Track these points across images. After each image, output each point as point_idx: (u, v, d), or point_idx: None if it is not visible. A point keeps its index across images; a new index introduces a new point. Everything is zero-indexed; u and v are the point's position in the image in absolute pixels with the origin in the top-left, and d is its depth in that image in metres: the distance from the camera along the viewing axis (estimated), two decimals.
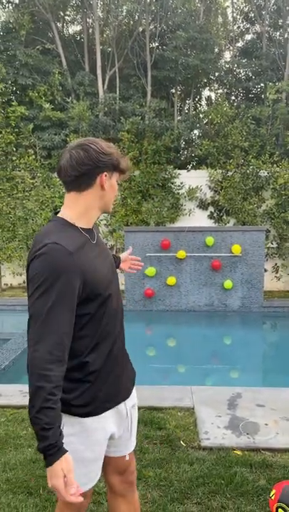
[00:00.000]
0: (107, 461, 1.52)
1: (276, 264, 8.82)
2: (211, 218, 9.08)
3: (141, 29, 9.95)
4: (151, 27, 10.05)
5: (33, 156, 8.79)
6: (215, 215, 9.05)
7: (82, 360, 1.32)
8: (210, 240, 7.29)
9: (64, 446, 1.19)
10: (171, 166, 8.90)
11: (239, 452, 2.63)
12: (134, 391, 1.56)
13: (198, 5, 10.11)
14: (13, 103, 8.90)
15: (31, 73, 9.29)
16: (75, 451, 1.30)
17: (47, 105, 8.89)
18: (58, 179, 8.92)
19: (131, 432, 1.52)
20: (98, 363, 1.35)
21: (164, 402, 3.33)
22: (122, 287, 8.27)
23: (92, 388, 1.34)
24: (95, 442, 1.35)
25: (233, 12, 10.96)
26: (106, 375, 1.37)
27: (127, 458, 1.51)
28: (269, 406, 3.27)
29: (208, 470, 2.41)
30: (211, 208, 9.05)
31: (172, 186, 8.86)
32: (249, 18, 10.91)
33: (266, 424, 2.98)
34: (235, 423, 3.00)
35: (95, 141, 1.34)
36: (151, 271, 7.35)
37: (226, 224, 8.96)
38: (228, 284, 7.32)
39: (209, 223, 9.04)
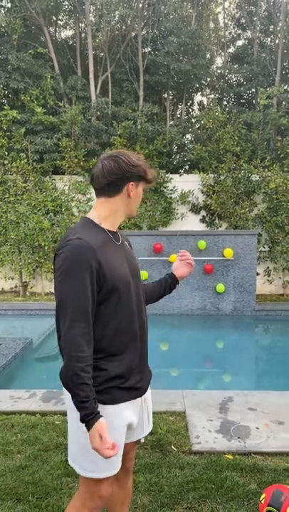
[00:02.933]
0: None
1: (268, 267, 8.87)
2: (203, 222, 9.11)
3: (133, 34, 10.00)
4: (143, 32, 10.12)
5: (25, 160, 8.77)
6: (207, 219, 9.09)
7: (103, 349, 1.43)
8: (202, 243, 7.31)
9: (85, 433, 1.35)
10: (164, 171, 8.92)
11: (230, 456, 2.62)
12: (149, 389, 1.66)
13: (190, 11, 10.20)
14: (5, 107, 8.88)
15: (23, 77, 9.28)
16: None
17: (39, 109, 8.89)
18: (50, 183, 8.94)
19: (143, 421, 1.62)
20: (117, 354, 1.45)
21: (156, 407, 3.29)
22: None
23: (114, 378, 1.44)
24: (114, 428, 1.42)
25: (224, 18, 11.07)
26: (125, 368, 1.47)
27: (142, 441, 1.67)
28: (260, 409, 3.27)
29: (198, 475, 2.40)
30: (203, 212, 9.08)
31: (165, 190, 8.88)
32: (240, 24, 11.02)
33: (257, 428, 2.97)
34: (226, 427, 2.99)
35: (126, 154, 1.48)
36: (143, 275, 7.34)
37: (218, 228, 9.00)
38: (220, 287, 7.33)
39: (201, 227, 9.08)
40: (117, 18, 10.37)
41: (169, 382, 4.83)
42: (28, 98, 9.00)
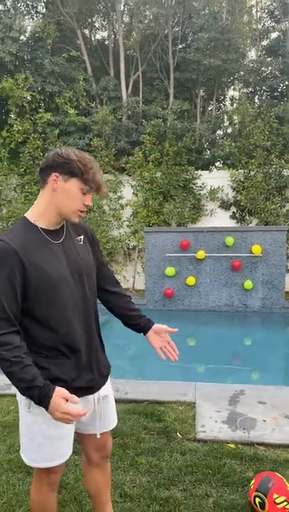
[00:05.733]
0: (83, 439, 1.71)
1: None
2: (233, 218, 9.06)
3: (165, 32, 10.07)
4: (175, 29, 10.16)
5: None
6: (237, 215, 9.02)
7: (39, 343, 1.46)
8: (230, 240, 7.29)
9: (32, 424, 1.48)
10: (193, 167, 8.95)
11: (232, 445, 2.69)
12: (108, 384, 1.68)
13: (224, 5, 10.10)
14: (41, 110, 9.28)
15: (57, 80, 9.64)
16: (42, 430, 1.48)
17: (72, 111, 9.21)
18: None
19: (101, 417, 1.63)
20: (53, 351, 1.47)
21: (167, 397, 3.44)
22: (142, 287, 8.42)
23: (53, 374, 1.45)
24: (57, 423, 1.43)
25: (257, 11, 10.86)
26: (63, 364, 1.48)
27: (98, 436, 1.65)
28: (270, 403, 3.29)
29: (198, 460, 2.50)
30: (233, 208, 9.02)
31: (193, 187, 8.91)
32: (274, 16, 10.78)
33: (264, 421, 3.01)
34: (233, 418, 3.05)
35: (65, 148, 1.46)
36: (170, 271, 7.44)
37: (248, 224, 8.91)
38: (248, 284, 7.29)
39: (232, 223, 9.02)
40: (149, 18, 10.48)
41: (192, 377, 4.90)
42: (62, 101, 9.35)
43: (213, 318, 7.25)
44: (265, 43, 11.08)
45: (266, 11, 11.17)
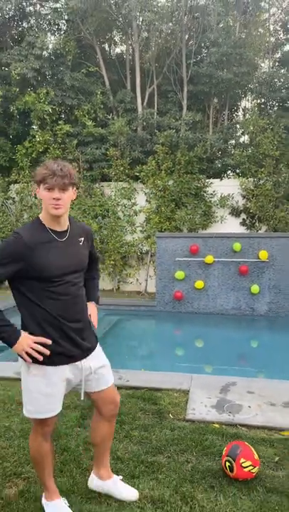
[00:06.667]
0: (94, 397, 2.11)
1: None
2: (243, 225, 9.34)
3: (179, 48, 10.51)
4: (189, 43, 10.59)
5: (77, 169, 9.64)
6: (247, 221, 9.30)
7: (37, 322, 1.90)
8: (237, 245, 7.58)
9: (31, 382, 1.92)
10: (204, 176, 9.31)
11: (217, 425, 3.02)
12: (99, 356, 2.10)
13: (237, 19, 10.47)
14: (60, 122, 9.86)
15: (77, 94, 10.20)
16: (39, 387, 1.92)
17: (90, 122, 9.73)
18: (98, 189, 9.73)
19: (98, 379, 2.07)
20: (49, 328, 1.91)
21: (165, 385, 3.79)
22: (154, 290, 8.77)
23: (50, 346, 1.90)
24: (52, 382, 1.92)
25: (269, 24, 11.19)
26: (58, 338, 1.92)
27: (105, 389, 2.10)
28: (258, 393, 3.60)
29: (184, 435, 2.84)
30: (243, 215, 9.31)
31: (204, 195, 9.26)
32: (288, 29, 11.07)
33: (249, 407, 3.33)
34: (221, 404, 3.38)
35: (44, 163, 1.90)
36: (180, 274, 7.78)
37: (257, 230, 9.17)
38: (254, 288, 7.55)
39: (241, 230, 9.31)
40: (166, 32, 10.93)
41: (191, 372, 5.21)
42: (81, 113, 9.90)
43: (221, 320, 7.53)
44: (278, 55, 11.39)
45: (280, 24, 11.48)
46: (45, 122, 9.80)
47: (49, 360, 1.90)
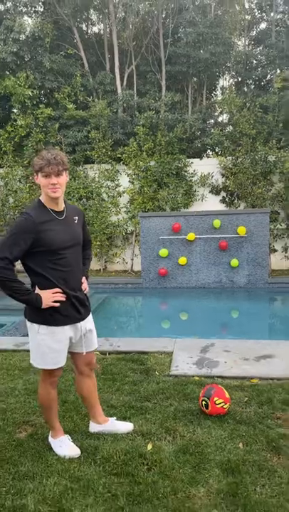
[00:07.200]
0: (76, 356, 2.50)
1: (285, 243, 9.36)
2: (223, 203, 9.73)
3: (156, 27, 10.60)
4: (165, 23, 10.68)
5: None
6: (227, 199, 9.69)
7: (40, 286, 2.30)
8: (217, 222, 8.00)
9: (40, 340, 2.31)
10: (184, 156, 9.61)
11: (197, 378, 3.47)
12: (91, 321, 2.51)
13: (208, 1, 10.59)
14: (41, 105, 9.95)
15: (56, 77, 10.26)
16: (47, 344, 2.30)
17: (70, 105, 9.85)
18: (82, 172, 9.94)
19: (85, 342, 2.45)
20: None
21: (151, 349, 4.22)
22: (139, 268, 9.17)
23: (54, 310, 2.29)
24: (58, 339, 2.32)
25: (244, 1, 11.30)
26: (62, 303, 2.30)
27: (84, 353, 2.47)
28: (234, 351, 4.06)
29: (168, 386, 3.28)
30: (222, 193, 9.69)
31: (185, 174, 9.58)
32: (262, 7, 11.22)
33: (225, 362, 3.78)
34: (201, 361, 3.83)
35: (40, 153, 2.24)
36: (164, 252, 8.18)
37: (236, 207, 9.59)
38: (234, 262, 8.01)
39: (221, 207, 9.70)
40: (142, 12, 10.96)
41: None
42: (61, 96, 9.99)
43: (203, 293, 8.01)
44: (253, 33, 11.56)
45: (255, 1, 11.60)
46: (26, 106, 9.88)
47: (55, 322, 2.30)
